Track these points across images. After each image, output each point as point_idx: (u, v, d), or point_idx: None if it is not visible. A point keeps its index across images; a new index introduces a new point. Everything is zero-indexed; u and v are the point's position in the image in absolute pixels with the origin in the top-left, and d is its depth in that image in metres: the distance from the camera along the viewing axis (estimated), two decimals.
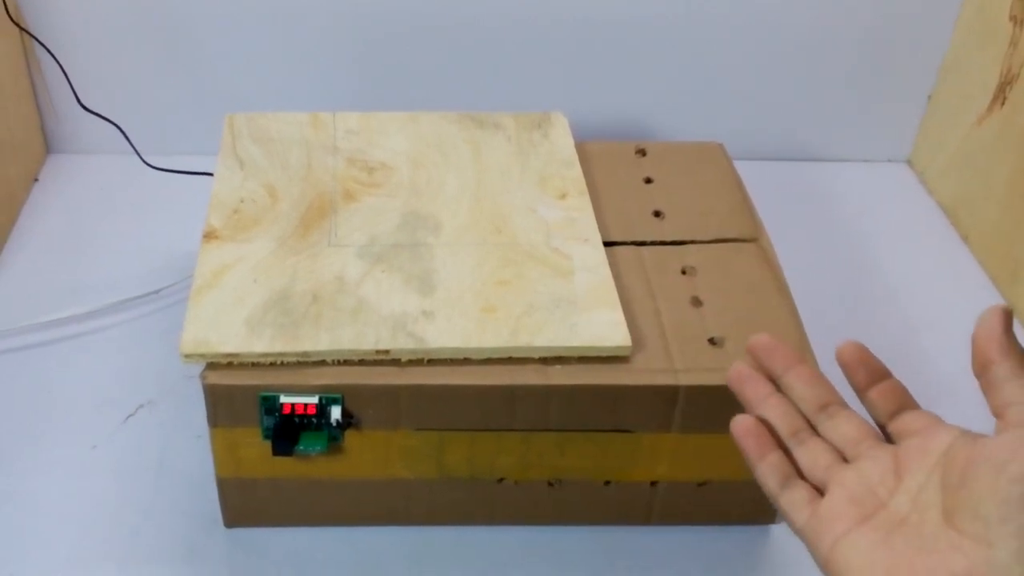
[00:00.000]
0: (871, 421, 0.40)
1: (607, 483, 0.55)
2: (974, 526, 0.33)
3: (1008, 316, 0.37)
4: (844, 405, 0.41)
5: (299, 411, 0.50)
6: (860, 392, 0.40)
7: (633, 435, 0.53)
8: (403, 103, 0.76)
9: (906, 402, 0.40)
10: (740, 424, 0.40)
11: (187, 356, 0.49)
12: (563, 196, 0.61)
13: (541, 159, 0.64)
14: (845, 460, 0.39)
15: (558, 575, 0.55)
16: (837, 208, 0.85)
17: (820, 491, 0.39)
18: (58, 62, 0.77)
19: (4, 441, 0.60)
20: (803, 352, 0.53)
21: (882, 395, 0.39)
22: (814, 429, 0.40)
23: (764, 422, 0.40)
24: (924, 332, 0.72)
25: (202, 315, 0.51)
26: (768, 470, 0.40)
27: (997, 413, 0.35)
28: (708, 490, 0.55)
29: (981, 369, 0.36)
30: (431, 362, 0.51)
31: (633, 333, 0.52)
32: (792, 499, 0.39)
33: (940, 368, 0.69)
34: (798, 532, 0.38)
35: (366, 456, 0.53)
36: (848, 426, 0.40)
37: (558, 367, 0.51)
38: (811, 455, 0.40)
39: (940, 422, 0.38)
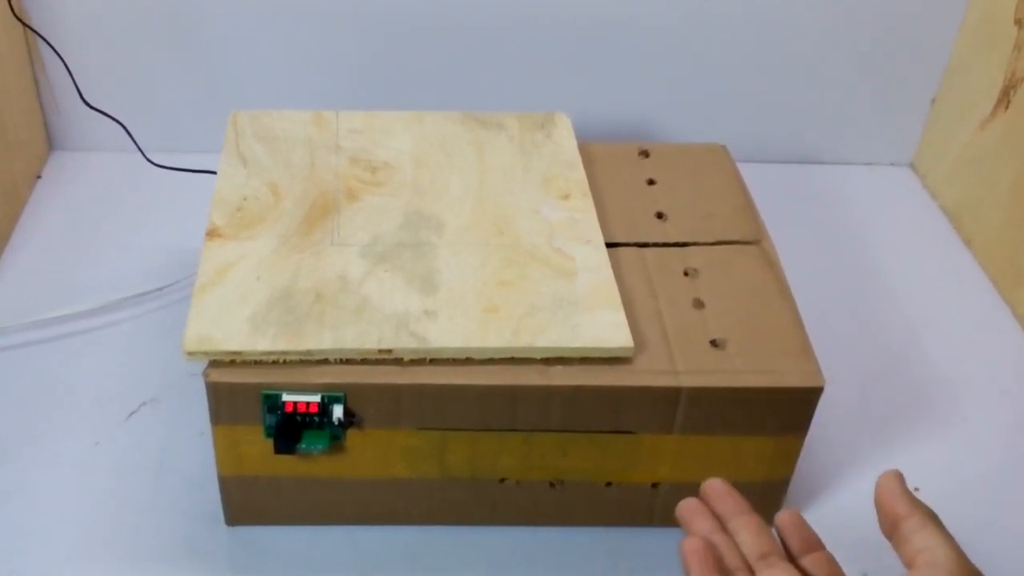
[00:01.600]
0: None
1: (609, 484, 0.55)
2: None
3: (902, 478, 0.40)
4: (784, 558, 0.42)
5: (301, 409, 0.50)
6: (793, 559, 0.42)
7: (635, 436, 0.53)
8: (407, 102, 0.76)
9: (834, 573, 0.41)
10: (689, 544, 0.41)
11: (190, 354, 0.49)
12: (566, 197, 0.61)
13: (544, 160, 0.64)
14: None
15: None
16: (840, 211, 0.85)
17: None
18: (62, 59, 0.77)
19: (6, 438, 0.60)
20: (805, 353, 0.53)
21: (814, 565, 0.41)
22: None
23: (713, 548, 0.41)
24: (926, 336, 0.72)
25: (205, 312, 0.51)
26: None
27: (909, 562, 0.38)
28: None
29: (891, 529, 0.39)
30: (433, 362, 0.51)
31: (635, 334, 0.52)
32: None
33: (941, 371, 0.69)
34: None
35: (368, 455, 0.53)
36: None
37: (560, 368, 0.51)
38: None
39: None
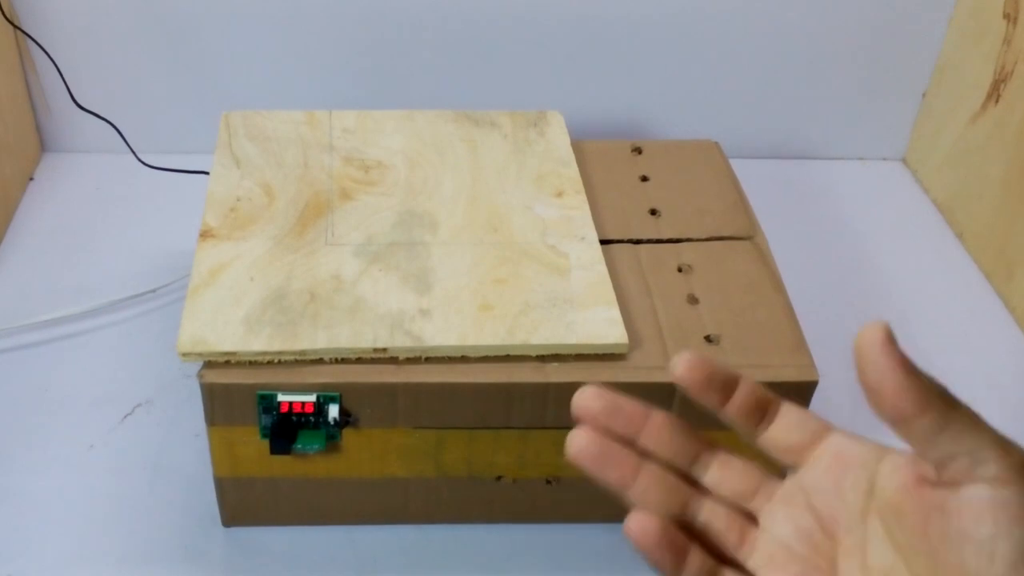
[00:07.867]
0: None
1: None
2: None
3: (892, 338, 0.30)
4: (713, 450, 0.35)
5: (297, 410, 0.50)
6: (720, 413, 0.34)
7: None
8: (399, 101, 0.76)
9: (765, 402, 0.33)
10: (639, 526, 0.31)
11: (184, 355, 0.49)
12: (559, 194, 0.61)
13: (537, 157, 0.64)
14: (750, 516, 0.33)
15: (556, 573, 0.55)
16: (832, 206, 0.85)
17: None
18: (53, 60, 0.77)
19: (1, 441, 0.60)
20: (799, 347, 0.53)
21: (740, 409, 0.33)
22: (693, 483, 0.34)
23: (665, 522, 0.32)
24: (918, 329, 0.72)
25: (199, 314, 0.51)
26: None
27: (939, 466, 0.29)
28: None
29: (897, 420, 0.29)
30: (428, 360, 0.51)
31: (630, 331, 0.52)
32: None
33: (935, 365, 0.69)
34: None
35: (364, 455, 0.53)
36: (731, 475, 0.34)
37: (555, 365, 0.51)
38: (716, 525, 0.33)
39: (818, 430, 0.33)
